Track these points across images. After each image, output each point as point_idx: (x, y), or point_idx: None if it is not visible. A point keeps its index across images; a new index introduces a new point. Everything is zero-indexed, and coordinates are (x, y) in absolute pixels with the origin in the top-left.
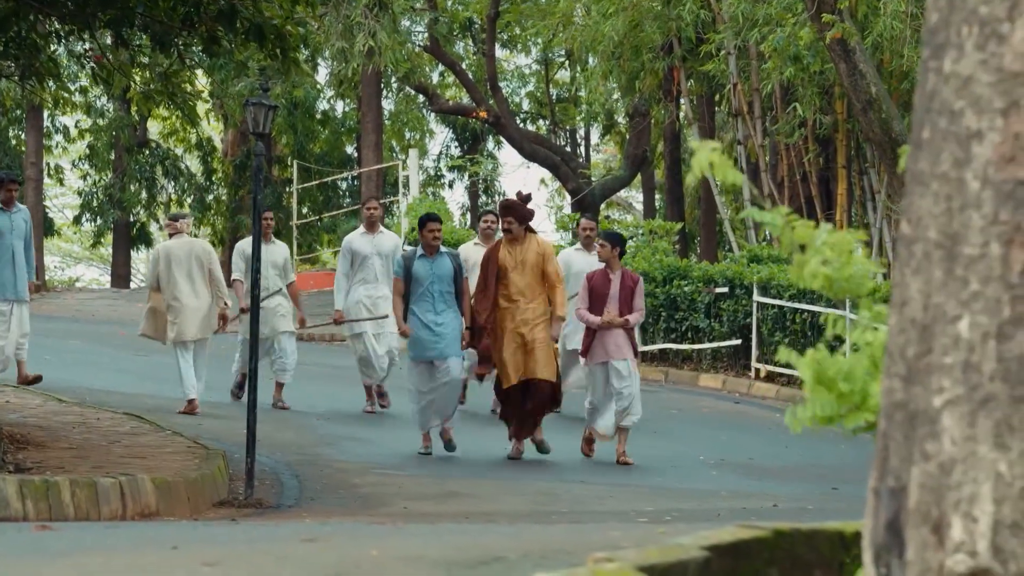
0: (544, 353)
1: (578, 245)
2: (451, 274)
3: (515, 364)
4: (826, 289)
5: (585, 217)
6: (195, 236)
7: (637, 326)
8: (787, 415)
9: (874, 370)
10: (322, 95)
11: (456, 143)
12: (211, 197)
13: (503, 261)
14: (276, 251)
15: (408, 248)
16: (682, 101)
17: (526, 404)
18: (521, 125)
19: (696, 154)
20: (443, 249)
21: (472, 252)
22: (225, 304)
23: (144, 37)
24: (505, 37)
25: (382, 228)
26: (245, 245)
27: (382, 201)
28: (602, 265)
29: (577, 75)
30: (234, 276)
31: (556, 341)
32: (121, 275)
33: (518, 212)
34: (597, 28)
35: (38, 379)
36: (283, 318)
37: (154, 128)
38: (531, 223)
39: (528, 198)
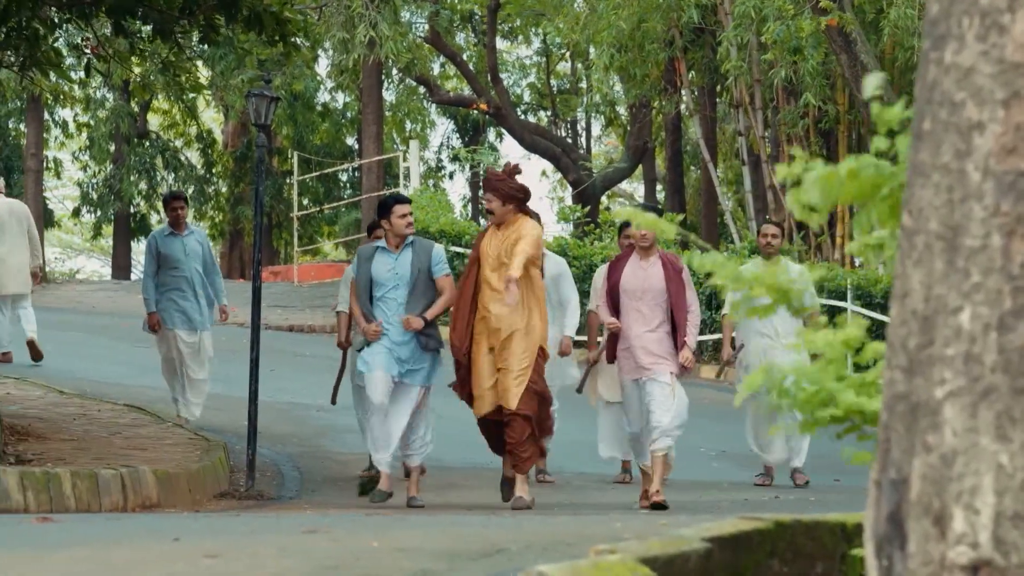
0: (516, 380)
1: (758, 261)
2: (423, 271)
3: (486, 393)
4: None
5: (769, 222)
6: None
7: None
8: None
9: (832, 369)
10: (322, 87)
11: (457, 134)
12: (211, 190)
13: (482, 252)
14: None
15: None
16: (683, 92)
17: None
18: (522, 116)
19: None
20: (412, 238)
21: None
22: (41, 265)
23: (141, 26)
24: (506, 28)
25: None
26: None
27: (381, 193)
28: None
29: (580, 68)
30: (339, 307)
31: (507, 286)
32: (121, 266)
33: (496, 187)
34: (604, 20)
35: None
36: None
37: (154, 121)
38: (528, 205)
39: (515, 170)
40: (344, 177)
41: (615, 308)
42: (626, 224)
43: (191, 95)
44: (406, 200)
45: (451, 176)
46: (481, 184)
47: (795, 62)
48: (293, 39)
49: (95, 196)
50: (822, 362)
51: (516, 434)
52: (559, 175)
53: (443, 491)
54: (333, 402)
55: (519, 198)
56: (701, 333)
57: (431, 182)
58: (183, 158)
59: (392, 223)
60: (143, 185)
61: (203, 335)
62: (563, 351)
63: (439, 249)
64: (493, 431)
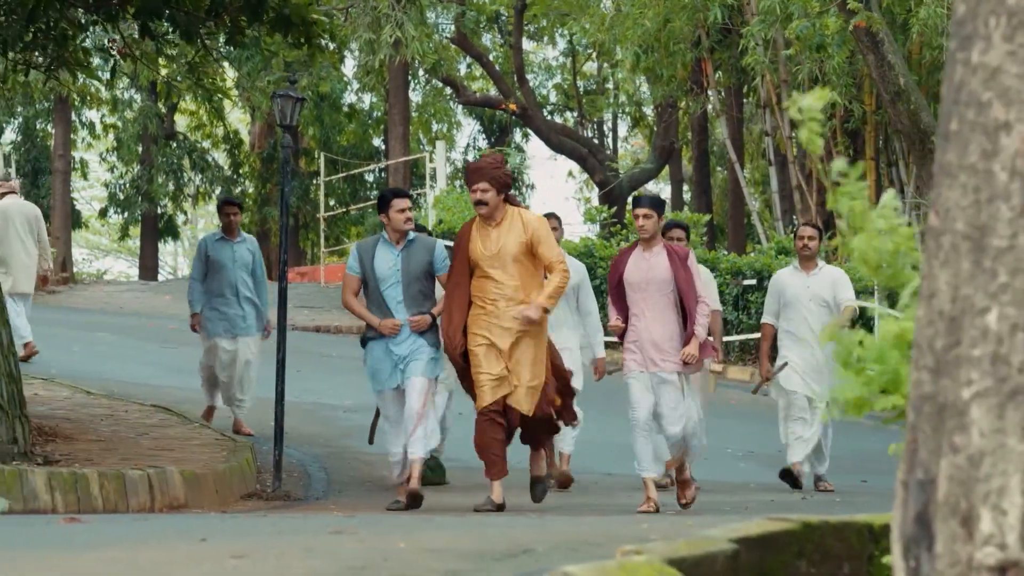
0: (530, 390)
1: (795, 264)
2: (424, 269)
3: (487, 383)
4: (868, 270)
5: (806, 224)
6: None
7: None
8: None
9: (903, 356)
10: (349, 87)
11: (483, 135)
12: (238, 190)
13: (474, 252)
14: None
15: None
16: (710, 93)
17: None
18: (548, 117)
19: (795, 103)
20: (413, 235)
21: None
22: (50, 268)
23: (168, 27)
24: (532, 29)
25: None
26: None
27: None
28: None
29: (606, 68)
30: None
31: (523, 321)
32: (149, 267)
33: (493, 175)
34: (629, 19)
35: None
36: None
37: (181, 122)
38: (510, 193)
39: (501, 160)
40: (370, 178)
41: (622, 302)
42: (636, 204)
43: (217, 96)
44: (405, 195)
45: None
46: (470, 173)
47: (821, 60)
48: (319, 41)
49: (122, 197)
50: (887, 345)
51: (533, 427)
52: (585, 176)
53: (469, 492)
54: (371, 442)
55: (509, 187)
56: (728, 334)
57: (457, 183)
58: (210, 159)
59: (390, 217)
60: (170, 186)
61: (245, 341)
62: (598, 375)
63: (441, 246)
64: (494, 436)
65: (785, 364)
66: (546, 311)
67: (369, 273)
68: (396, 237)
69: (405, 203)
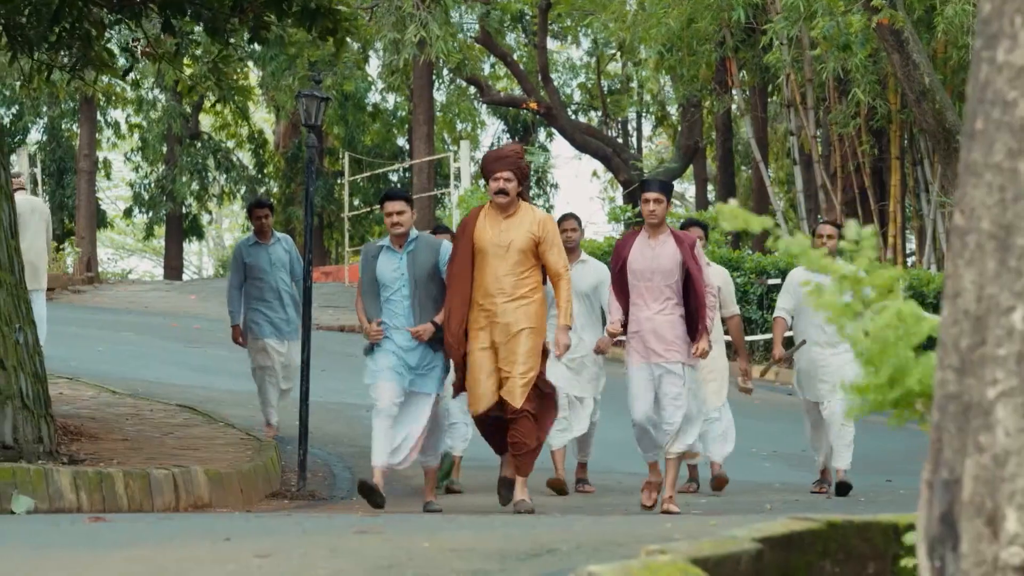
0: (522, 380)
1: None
2: (430, 271)
3: (486, 389)
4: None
5: (825, 222)
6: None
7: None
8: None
9: (904, 341)
10: (373, 87)
11: (508, 134)
12: (263, 190)
13: (480, 239)
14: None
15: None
16: (734, 92)
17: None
18: (573, 116)
19: (720, 213)
20: (416, 234)
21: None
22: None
23: (192, 24)
24: (556, 28)
25: (584, 256)
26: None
27: (432, 193)
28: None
29: (630, 67)
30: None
31: (560, 355)
32: (173, 267)
33: (517, 164)
34: (653, 18)
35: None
36: (590, 381)
37: (206, 122)
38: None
39: (522, 150)
40: (395, 177)
41: (625, 293)
42: (644, 188)
43: (238, 97)
44: (398, 196)
45: None
46: (490, 161)
47: (845, 58)
48: (345, 33)
49: (147, 197)
50: (892, 339)
51: (520, 433)
52: (610, 175)
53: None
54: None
55: (528, 178)
56: (752, 334)
57: (482, 182)
58: (235, 159)
59: (386, 221)
60: (195, 185)
61: (291, 344)
62: (599, 349)
63: (447, 246)
64: (492, 430)
65: (804, 342)
66: (568, 328)
67: (371, 278)
68: (396, 241)
69: (394, 206)
